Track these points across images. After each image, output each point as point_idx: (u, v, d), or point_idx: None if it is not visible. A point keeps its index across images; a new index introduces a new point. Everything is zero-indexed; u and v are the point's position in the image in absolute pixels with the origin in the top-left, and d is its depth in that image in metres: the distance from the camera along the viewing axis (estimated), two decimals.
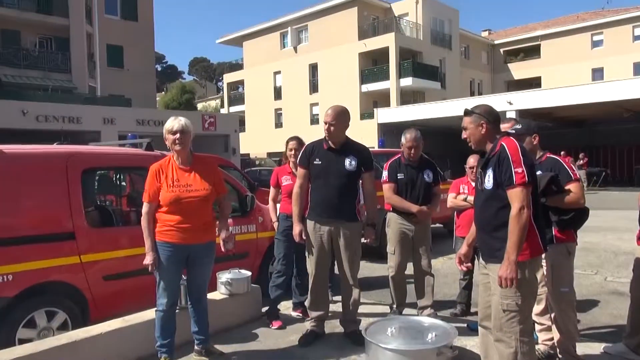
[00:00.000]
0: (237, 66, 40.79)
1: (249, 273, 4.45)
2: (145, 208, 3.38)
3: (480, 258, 2.93)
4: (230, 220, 4.98)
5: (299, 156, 4.03)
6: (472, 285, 4.67)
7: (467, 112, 2.84)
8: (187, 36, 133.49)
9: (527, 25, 42.26)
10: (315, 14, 31.72)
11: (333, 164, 3.84)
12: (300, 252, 4.35)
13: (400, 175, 4.42)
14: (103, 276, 3.97)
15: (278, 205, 4.76)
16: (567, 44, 36.00)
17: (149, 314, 3.62)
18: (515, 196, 2.55)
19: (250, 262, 5.17)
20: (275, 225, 4.67)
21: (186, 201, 3.31)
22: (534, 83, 36.12)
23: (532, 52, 38.72)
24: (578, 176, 3.31)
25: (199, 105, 51.27)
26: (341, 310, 4.10)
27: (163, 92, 50.92)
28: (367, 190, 4.00)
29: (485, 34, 43.03)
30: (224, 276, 4.28)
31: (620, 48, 33.37)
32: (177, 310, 3.50)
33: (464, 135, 2.86)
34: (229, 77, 40.15)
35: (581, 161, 22.21)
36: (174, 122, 3.36)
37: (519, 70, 39.06)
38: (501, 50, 40.40)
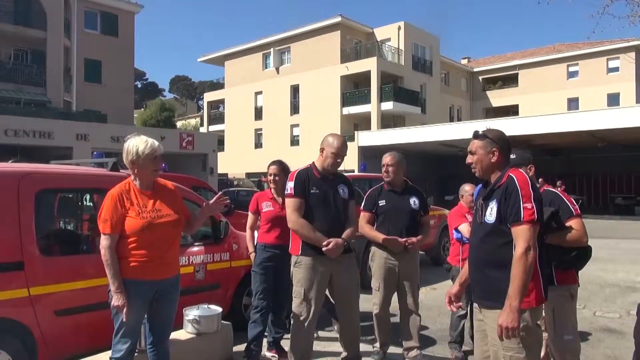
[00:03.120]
0: (219, 85, 40.60)
1: (219, 309, 4.05)
2: (106, 241, 2.88)
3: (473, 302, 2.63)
4: (201, 248, 4.66)
5: (294, 186, 3.62)
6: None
7: (478, 135, 2.51)
8: (169, 54, 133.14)
9: (505, 54, 43.24)
10: (298, 36, 31.81)
11: (330, 193, 3.65)
12: (279, 285, 4.03)
13: (381, 202, 4.16)
14: (55, 311, 3.54)
15: (256, 234, 4.38)
16: (543, 74, 36.86)
17: (103, 358, 3.20)
18: (522, 235, 2.27)
19: (222, 294, 4.78)
20: (252, 256, 4.25)
21: (159, 228, 2.94)
22: (511, 111, 36.78)
23: (510, 80, 39.52)
24: (579, 212, 3.07)
25: (179, 124, 50.69)
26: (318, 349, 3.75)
27: (142, 109, 50.25)
28: (351, 218, 3.75)
29: (464, 61, 43.83)
30: (191, 313, 3.87)
31: (595, 79, 34.27)
32: (135, 354, 3.10)
33: (470, 160, 2.53)
34: (209, 96, 39.84)
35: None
36: (158, 146, 3.01)
37: (497, 98, 39.77)
38: (480, 78, 41.14)
